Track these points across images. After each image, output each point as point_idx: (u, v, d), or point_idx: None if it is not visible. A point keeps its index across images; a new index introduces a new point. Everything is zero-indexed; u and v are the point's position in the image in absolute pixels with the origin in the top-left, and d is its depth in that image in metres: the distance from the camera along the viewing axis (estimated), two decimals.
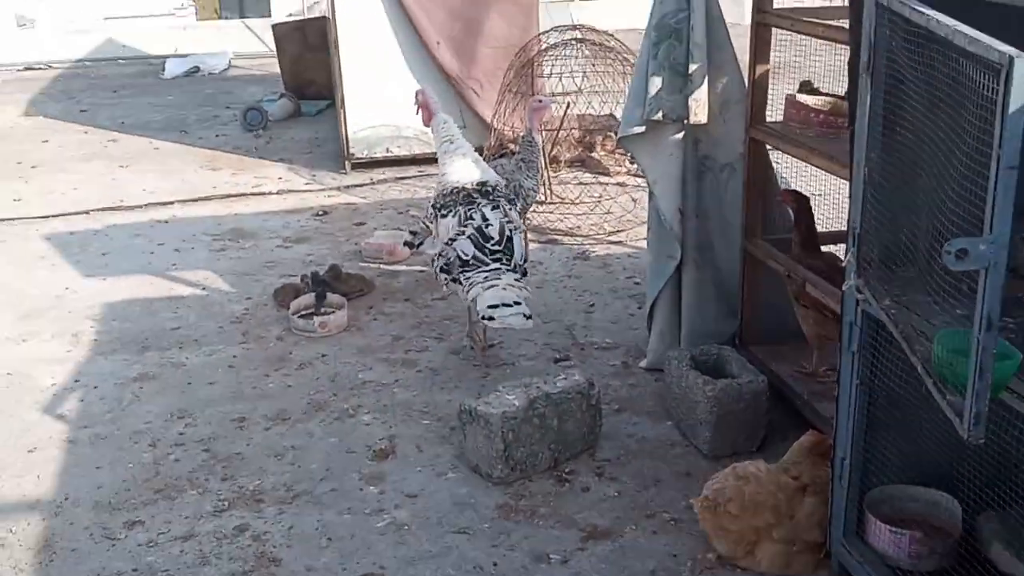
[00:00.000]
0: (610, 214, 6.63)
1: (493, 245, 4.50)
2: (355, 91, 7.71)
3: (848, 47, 3.80)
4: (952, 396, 2.21)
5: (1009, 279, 2.14)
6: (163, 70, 12.26)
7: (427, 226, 5.17)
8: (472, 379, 4.63)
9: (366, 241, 6.18)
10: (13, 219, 7.03)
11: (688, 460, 3.94)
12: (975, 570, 2.85)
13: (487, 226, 4.55)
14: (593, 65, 6.62)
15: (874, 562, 2.99)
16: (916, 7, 2.30)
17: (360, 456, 4.04)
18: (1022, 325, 2.47)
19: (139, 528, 3.60)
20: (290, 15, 13.39)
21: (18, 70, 12.81)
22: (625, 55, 6.60)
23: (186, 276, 5.95)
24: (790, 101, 4.04)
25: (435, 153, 7.49)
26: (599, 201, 6.83)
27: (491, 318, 4.28)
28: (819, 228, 4.11)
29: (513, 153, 7.10)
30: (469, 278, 4.45)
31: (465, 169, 4.86)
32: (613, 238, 6.33)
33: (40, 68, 12.85)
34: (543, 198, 6.72)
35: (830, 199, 4.70)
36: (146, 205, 7.27)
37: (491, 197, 4.70)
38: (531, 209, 5.74)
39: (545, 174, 6.71)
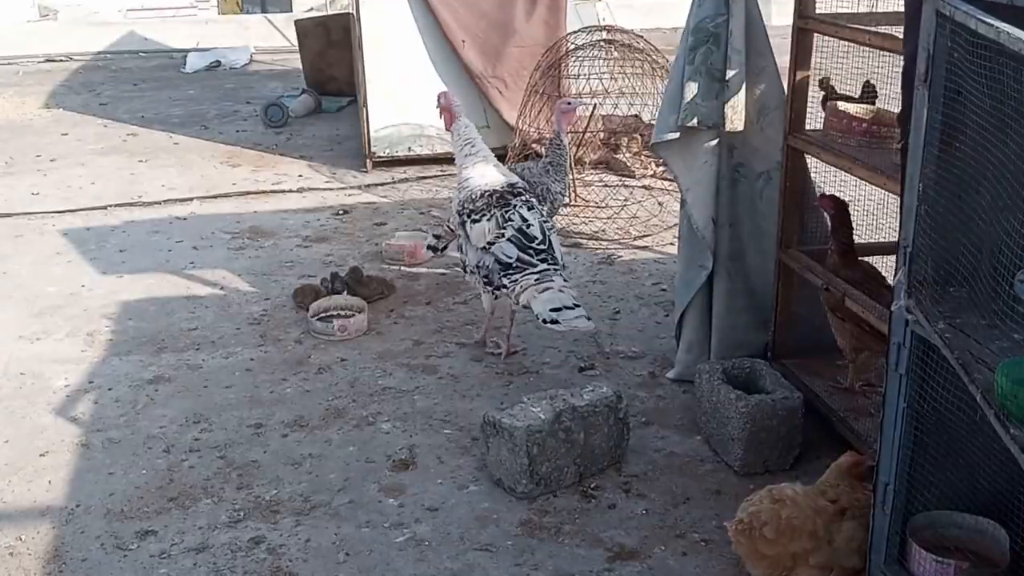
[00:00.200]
0: (636, 218, 6.49)
1: (538, 245, 4.40)
2: (378, 89, 7.60)
3: (890, 54, 3.71)
4: (1016, 430, 2.08)
5: None
6: (184, 64, 12.19)
7: (451, 229, 5.06)
8: (494, 387, 4.52)
9: (387, 242, 6.07)
10: (31, 213, 6.95)
11: (718, 477, 3.82)
12: None
13: (528, 226, 4.45)
14: (620, 66, 6.49)
15: None
16: (984, 19, 2.16)
17: (379, 466, 3.93)
18: None
19: (151, 538, 3.50)
20: (311, 10, 13.32)
21: (39, 62, 12.76)
22: (654, 56, 6.47)
23: (204, 275, 5.85)
24: (831, 109, 3.89)
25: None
26: (625, 205, 6.69)
27: (555, 321, 4.17)
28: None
29: (538, 155, 7.00)
30: (516, 281, 4.35)
31: (489, 173, 4.76)
32: (639, 243, 6.20)
33: (61, 60, 12.80)
34: (568, 201, 6.58)
35: (861, 206, 4.54)
36: (165, 201, 7.18)
37: (524, 198, 4.60)
38: (557, 213, 5.61)
39: (570, 176, 6.57)
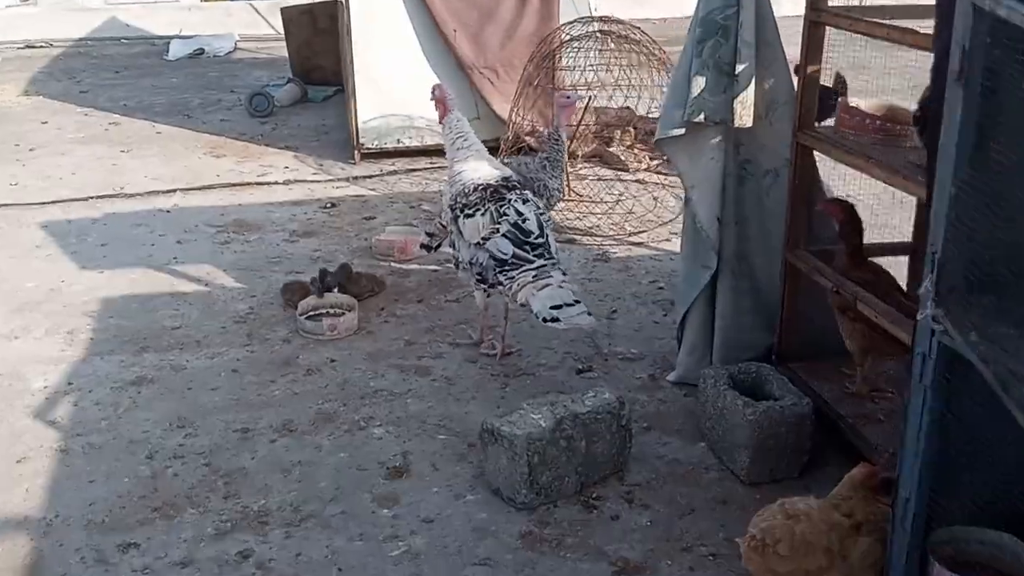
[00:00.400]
0: (632, 214, 6.34)
1: (535, 239, 4.25)
2: (366, 79, 7.41)
3: (908, 49, 3.57)
4: None
5: None
6: (167, 51, 11.96)
7: (443, 226, 4.90)
8: (490, 390, 4.37)
9: (376, 237, 5.90)
10: (9, 205, 6.75)
11: (724, 486, 3.68)
12: None
13: (524, 221, 4.30)
14: (616, 57, 6.33)
15: None
16: None
17: (372, 474, 3.77)
18: None
19: (134, 552, 3.34)
20: None
21: (18, 48, 12.48)
22: (650, 47, 6.32)
23: (188, 270, 5.67)
24: (843, 106, 3.76)
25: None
26: (619, 200, 6.55)
27: (556, 319, 4.02)
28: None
29: (531, 148, 6.85)
30: (513, 278, 4.20)
31: (482, 167, 4.61)
32: (634, 239, 6.05)
33: (41, 46, 12.53)
34: (563, 196, 6.43)
35: (861, 203, 4.40)
36: (147, 193, 6.99)
37: (518, 192, 4.45)
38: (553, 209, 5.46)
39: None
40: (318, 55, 9.71)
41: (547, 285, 4.16)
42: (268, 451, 3.92)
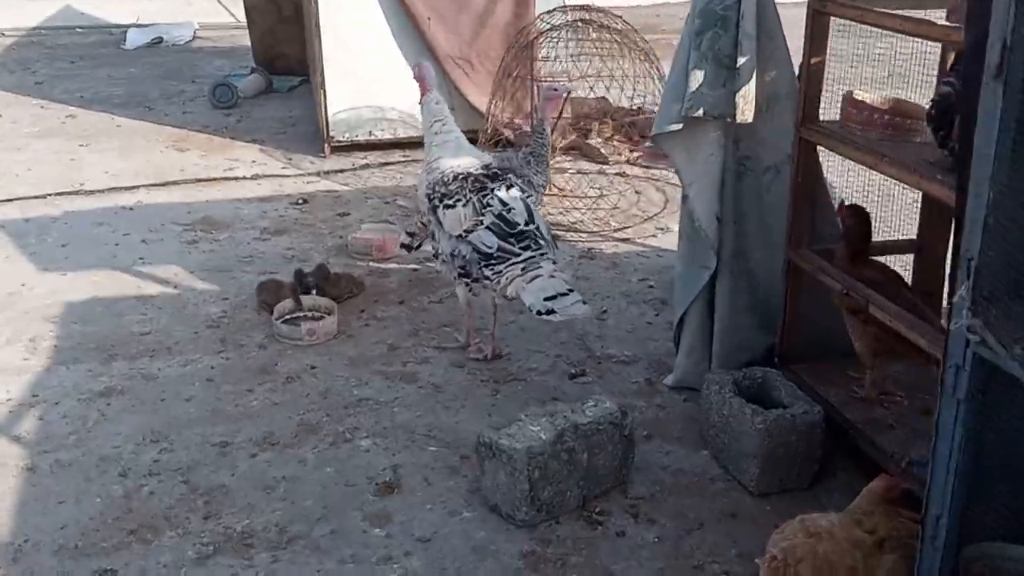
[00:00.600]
0: (617, 208, 6.17)
1: (524, 226, 4.09)
2: (336, 69, 7.15)
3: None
4: None
5: None
6: (124, 40, 11.57)
7: (424, 225, 4.70)
8: (480, 397, 4.18)
9: (353, 236, 5.68)
10: None
11: (732, 498, 3.53)
12: None
13: (509, 211, 4.12)
14: (596, 47, 6.15)
15: None
16: None
17: (361, 490, 3.58)
18: None
19: None
20: None
21: None
22: (632, 37, 6.14)
23: (155, 272, 5.42)
24: (848, 98, 3.60)
25: (420, 137, 7.00)
26: (602, 195, 6.37)
27: (551, 311, 3.84)
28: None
29: (508, 141, 6.65)
30: (501, 272, 4.01)
31: (461, 154, 4.41)
32: (619, 235, 5.88)
33: None
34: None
35: (857, 197, 4.27)
36: (109, 190, 6.69)
37: (501, 179, 4.26)
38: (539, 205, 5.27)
39: None
40: (282, 43, 9.42)
41: (537, 276, 3.99)
42: (249, 466, 3.71)
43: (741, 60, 3.64)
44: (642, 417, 3.99)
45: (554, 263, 4.10)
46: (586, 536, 3.32)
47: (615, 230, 5.92)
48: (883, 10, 3.30)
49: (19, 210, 6.33)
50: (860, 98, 3.59)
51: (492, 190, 4.21)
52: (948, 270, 4.10)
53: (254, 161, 7.36)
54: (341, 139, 7.37)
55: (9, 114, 8.59)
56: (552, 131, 6.47)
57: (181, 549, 3.27)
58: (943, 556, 2.69)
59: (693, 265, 4.05)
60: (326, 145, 7.35)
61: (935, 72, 3.73)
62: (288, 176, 7.03)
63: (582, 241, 5.79)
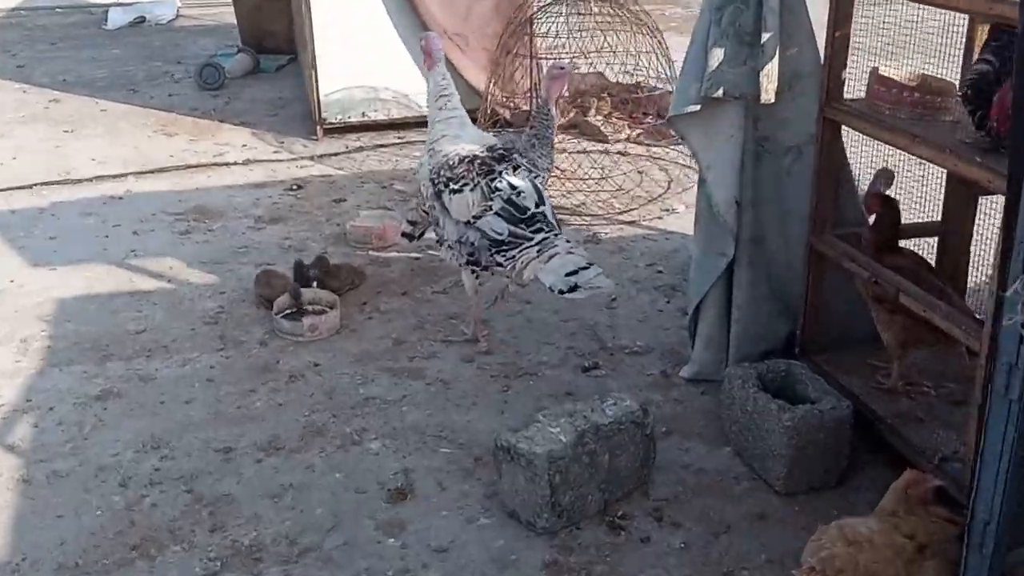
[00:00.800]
0: (621, 190, 6.00)
1: (535, 209, 3.96)
2: (328, 48, 6.94)
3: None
4: None
5: None
6: (105, 20, 11.33)
7: (425, 213, 4.53)
8: (491, 393, 4.03)
9: (351, 223, 5.50)
10: None
11: (758, 498, 3.39)
12: None
13: (518, 194, 3.97)
14: (598, 22, 5.96)
15: None
16: None
17: (373, 497, 3.43)
18: None
19: None
20: None
21: None
22: (634, 10, 5.96)
23: (148, 265, 5.24)
24: (875, 75, 3.44)
25: (415, 117, 6.85)
26: (605, 176, 6.19)
27: (574, 287, 3.71)
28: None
29: (506, 121, 6.48)
30: (514, 258, 3.87)
31: (464, 135, 4.26)
32: (624, 217, 5.72)
33: None
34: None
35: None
36: (96, 178, 6.50)
37: (508, 160, 4.11)
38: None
39: None
40: (270, 21, 9.22)
41: (555, 255, 3.85)
42: (255, 473, 3.56)
43: (765, 36, 3.47)
44: (659, 412, 3.84)
45: (568, 241, 3.96)
46: (610, 543, 3.18)
47: (620, 213, 5.76)
48: None
49: (4, 201, 6.14)
50: (887, 75, 3.42)
51: (500, 173, 4.05)
52: (971, 256, 3.98)
53: (245, 145, 7.16)
54: (334, 121, 7.18)
55: None
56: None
57: (187, 565, 3.12)
58: (991, 564, 2.57)
59: (710, 251, 3.90)
60: (318, 127, 7.16)
61: (960, 46, 3.58)
62: (281, 160, 6.84)
63: (586, 225, 5.62)
